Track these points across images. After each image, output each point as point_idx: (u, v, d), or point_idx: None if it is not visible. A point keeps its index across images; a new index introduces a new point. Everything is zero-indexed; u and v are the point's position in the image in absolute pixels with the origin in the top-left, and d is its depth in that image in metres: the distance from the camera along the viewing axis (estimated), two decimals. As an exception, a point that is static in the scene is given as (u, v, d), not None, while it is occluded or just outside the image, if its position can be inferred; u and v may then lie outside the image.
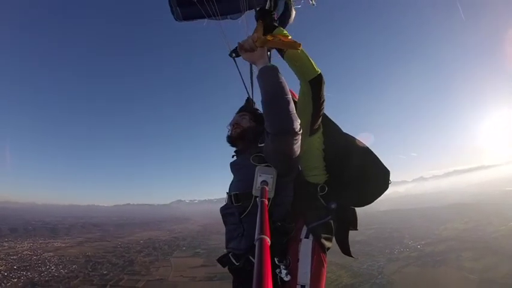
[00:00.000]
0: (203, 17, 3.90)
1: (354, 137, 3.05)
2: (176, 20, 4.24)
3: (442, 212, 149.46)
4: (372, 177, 2.90)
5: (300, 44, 2.49)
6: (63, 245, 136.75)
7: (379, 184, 2.88)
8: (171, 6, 4.13)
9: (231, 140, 3.12)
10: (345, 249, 3.02)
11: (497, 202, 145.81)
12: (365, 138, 3.02)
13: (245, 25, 3.63)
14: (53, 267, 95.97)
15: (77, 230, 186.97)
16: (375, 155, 2.92)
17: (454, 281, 66.81)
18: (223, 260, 2.74)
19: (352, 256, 3.09)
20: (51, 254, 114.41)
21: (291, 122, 2.22)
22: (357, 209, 3.01)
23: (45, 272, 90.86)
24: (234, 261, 2.61)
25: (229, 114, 3.39)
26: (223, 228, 2.87)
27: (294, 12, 3.46)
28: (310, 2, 3.53)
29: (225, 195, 2.91)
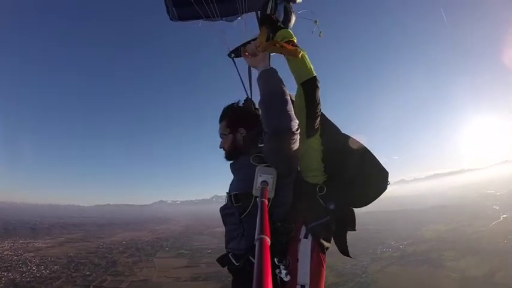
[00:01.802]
0: (198, 18, 3.97)
1: (351, 137, 3.07)
2: (171, 20, 4.33)
3: (423, 213, 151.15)
4: (371, 178, 2.94)
5: (300, 52, 2.61)
6: (44, 245, 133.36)
7: (378, 185, 2.93)
8: (167, 6, 4.22)
9: (229, 159, 3.11)
10: (344, 250, 3.03)
11: (478, 204, 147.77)
12: (358, 140, 2.99)
13: (243, 27, 3.71)
14: (34, 268, 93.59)
15: (57, 230, 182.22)
16: (374, 156, 2.96)
17: (436, 279, 68.08)
18: (223, 261, 2.77)
19: (350, 256, 3.10)
20: (32, 254, 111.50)
21: (288, 121, 2.28)
22: None
23: (27, 273, 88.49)
24: (234, 261, 2.62)
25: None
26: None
27: (294, 18, 3.50)
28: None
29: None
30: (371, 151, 2.97)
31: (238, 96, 3.40)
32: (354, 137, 3.04)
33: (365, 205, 2.98)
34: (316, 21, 3.39)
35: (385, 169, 2.92)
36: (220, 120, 3.18)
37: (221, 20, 4.04)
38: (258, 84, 2.56)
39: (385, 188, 2.92)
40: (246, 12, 3.80)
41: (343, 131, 3.08)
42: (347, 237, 3.02)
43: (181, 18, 4.25)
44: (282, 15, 3.46)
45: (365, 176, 2.91)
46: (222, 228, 2.88)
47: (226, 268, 2.80)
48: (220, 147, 3.13)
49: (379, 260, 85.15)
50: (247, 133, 3.00)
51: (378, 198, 2.94)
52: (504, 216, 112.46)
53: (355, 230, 3.00)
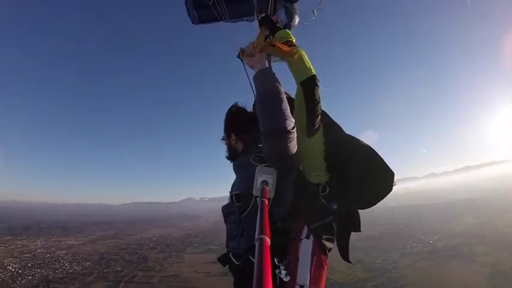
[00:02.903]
0: (219, 20, 3.96)
1: (356, 138, 3.02)
2: (193, 23, 4.36)
3: (453, 207, 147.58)
4: (375, 178, 2.86)
5: (296, 52, 2.62)
6: (76, 242, 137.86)
7: (382, 186, 2.85)
8: (188, 9, 4.25)
9: (230, 159, 3.17)
10: (344, 254, 2.94)
11: (509, 197, 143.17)
12: (369, 137, 2.95)
13: (255, 28, 3.62)
14: (67, 265, 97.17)
15: (88, 228, 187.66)
16: (379, 156, 2.87)
17: (466, 274, 66.20)
18: (224, 259, 2.77)
19: (350, 262, 2.99)
20: (64, 251, 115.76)
21: (282, 120, 2.27)
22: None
23: (60, 269, 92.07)
24: (234, 260, 2.62)
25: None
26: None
27: (297, 19, 3.50)
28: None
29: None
30: (377, 149, 2.90)
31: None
32: (364, 133, 3.00)
33: (368, 207, 2.91)
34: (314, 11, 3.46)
35: (390, 169, 2.85)
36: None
37: (243, 20, 4.10)
38: (254, 84, 2.58)
39: (389, 190, 2.83)
40: (259, 12, 3.70)
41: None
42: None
43: (202, 20, 4.30)
44: (285, 18, 3.51)
45: (369, 176, 2.84)
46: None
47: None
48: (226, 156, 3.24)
49: (409, 255, 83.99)
50: (240, 137, 3.04)
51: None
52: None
53: (360, 231, 2.93)
